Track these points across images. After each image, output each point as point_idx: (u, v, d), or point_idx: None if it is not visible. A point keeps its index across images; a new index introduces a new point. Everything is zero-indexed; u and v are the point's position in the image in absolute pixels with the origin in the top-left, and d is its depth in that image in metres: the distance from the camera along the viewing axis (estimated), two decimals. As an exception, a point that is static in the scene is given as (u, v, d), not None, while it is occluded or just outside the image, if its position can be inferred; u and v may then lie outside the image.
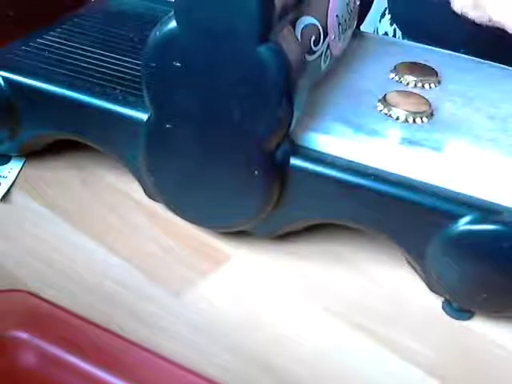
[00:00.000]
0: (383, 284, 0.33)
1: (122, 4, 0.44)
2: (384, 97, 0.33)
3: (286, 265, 0.34)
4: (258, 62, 0.27)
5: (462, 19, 0.38)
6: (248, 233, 0.34)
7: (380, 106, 0.33)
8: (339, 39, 0.35)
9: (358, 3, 0.38)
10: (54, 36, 0.39)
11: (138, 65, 0.34)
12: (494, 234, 0.28)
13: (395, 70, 0.36)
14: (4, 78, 0.35)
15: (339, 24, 0.34)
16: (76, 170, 0.39)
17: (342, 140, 0.31)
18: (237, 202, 0.32)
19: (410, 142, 0.31)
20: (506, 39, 0.37)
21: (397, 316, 0.32)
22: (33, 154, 0.39)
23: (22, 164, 0.39)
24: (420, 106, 0.33)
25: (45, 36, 0.39)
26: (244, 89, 0.28)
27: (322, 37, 0.32)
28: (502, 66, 0.38)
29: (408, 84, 0.35)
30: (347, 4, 0.35)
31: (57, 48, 0.38)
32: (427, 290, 0.31)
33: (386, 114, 0.32)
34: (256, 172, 0.30)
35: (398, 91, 0.34)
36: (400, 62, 0.37)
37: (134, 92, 0.33)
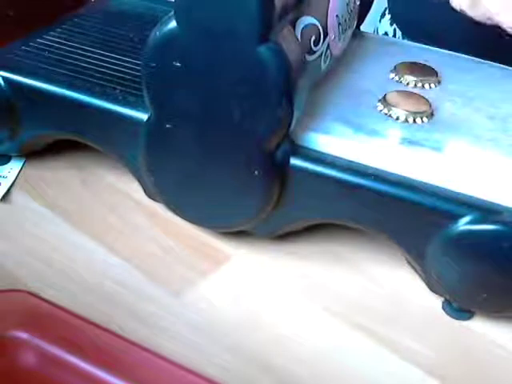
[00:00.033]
0: (383, 284, 0.33)
1: (121, 4, 0.44)
2: (384, 97, 0.33)
3: (286, 265, 0.34)
4: (258, 61, 0.27)
5: (461, 19, 0.38)
6: (248, 233, 0.34)
7: (380, 106, 0.33)
8: (339, 39, 0.35)
9: (357, 3, 0.38)
10: (53, 36, 0.39)
11: (138, 65, 0.34)
12: (494, 234, 0.28)
13: (395, 69, 0.36)
14: (4, 78, 0.35)
15: (339, 24, 0.34)
16: (76, 169, 0.39)
17: (342, 140, 0.31)
18: (237, 202, 0.32)
19: (410, 142, 0.31)
20: (505, 39, 0.37)
21: (397, 316, 0.32)
22: (33, 154, 0.39)
23: (22, 164, 0.39)
24: (420, 106, 0.33)
25: (45, 36, 0.39)
26: (244, 89, 0.28)
27: (321, 37, 0.32)
28: (501, 66, 0.38)
29: (408, 84, 0.35)
30: (347, 4, 0.35)
31: (57, 48, 0.38)
32: (427, 290, 0.31)
33: (386, 114, 0.32)
34: (256, 172, 0.30)
35: (398, 91, 0.34)
36: (400, 62, 0.37)
37: (134, 92, 0.33)
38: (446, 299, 0.32)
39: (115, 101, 0.33)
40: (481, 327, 0.31)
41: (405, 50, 0.39)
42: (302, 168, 0.30)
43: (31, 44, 0.38)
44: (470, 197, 0.29)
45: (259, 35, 0.27)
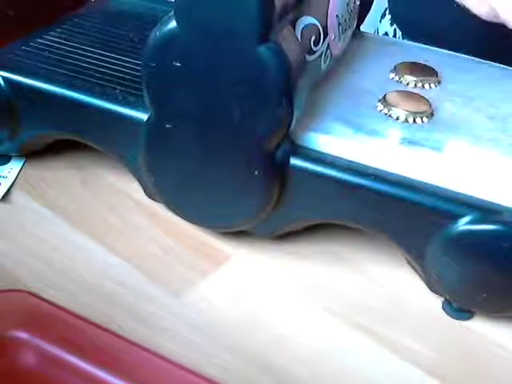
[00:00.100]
0: (383, 284, 0.33)
1: (121, 4, 0.44)
2: (384, 97, 0.33)
3: (286, 265, 0.34)
4: (258, 61, 0.27)
5: (461, 19, 0.38)
6: (248, 233, 0.34)
7: (380, 106, 0.33)
8: (339, 39, 0.35)
9: (358, 3, 0.38)
10: (54, 36, 0.39)
11: (138, 65, 0.34)
12: (494, 234, 0.28)
13: (395, 69, 0.36)
14: (4, 78, 0.35)
15: (339, 24, 0.34)
16: (76, 169, 0.39)
17: (342, 140, 0.31)
18: (237, 202, 0.32)
19: (410, 142, 0.31)
20: (505, 39, 0.37)
21: (397, 316, 0.32)
22: (33, 154, 0.39)
23: (22, 164, 0.39)
24: (420, 106, 0.33)
25: (45, 36, 0.39)
26: (244, 89, 0.28)
27: (322, 37, 0.32)
28: (502, 66, 0.38)
29: (408, 84, 0.35)
30: (347, 4, 0.35)
31: (57, 48, 0.38)
32: (427, 290, 0.31)
33: (386, 114, 0.32)
34: (256, 172, 0.30)
35: (398, 91, 0.34)
36: (400, 62, 0.37)
37: (134, 92, 0.33)
38: (445, 299, 0.32)
39: (115, 101, 0.33)
40: (481, 327, 0.31)
41: (405, 50, 0.39)
42: (302, 168, 0.30)
43: (31, 44, 0.38)
44: (470, 197, 0.29)
45: (259, 35, 0.27)
